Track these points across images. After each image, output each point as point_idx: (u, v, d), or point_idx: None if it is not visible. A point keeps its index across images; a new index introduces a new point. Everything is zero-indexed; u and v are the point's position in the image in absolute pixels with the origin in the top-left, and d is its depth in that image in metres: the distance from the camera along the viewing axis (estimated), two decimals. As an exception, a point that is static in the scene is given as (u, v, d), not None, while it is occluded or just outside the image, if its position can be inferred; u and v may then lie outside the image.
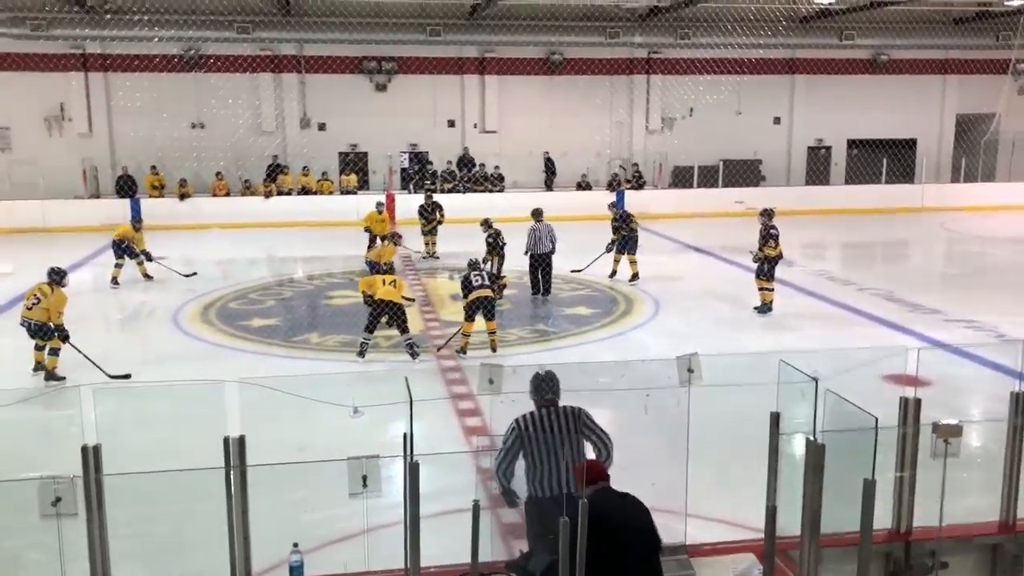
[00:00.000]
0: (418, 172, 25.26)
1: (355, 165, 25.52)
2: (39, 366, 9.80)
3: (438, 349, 11.08)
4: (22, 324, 9.76)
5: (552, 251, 14.13)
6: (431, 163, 25.52)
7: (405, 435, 4.41)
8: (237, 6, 22.16)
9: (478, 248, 14.02)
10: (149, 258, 15.27)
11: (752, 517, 5.34)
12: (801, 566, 4.64)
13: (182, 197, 22.83)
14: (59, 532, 4.13)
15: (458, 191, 24.03)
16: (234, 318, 12.89)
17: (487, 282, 10.91)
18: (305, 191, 24.15)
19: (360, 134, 25.60)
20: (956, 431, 4.63)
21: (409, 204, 20.39)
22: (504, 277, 13.85)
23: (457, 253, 16.29)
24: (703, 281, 15.08)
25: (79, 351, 9.71)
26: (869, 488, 4.44)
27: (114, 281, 14.96)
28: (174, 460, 4.59)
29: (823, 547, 4.62)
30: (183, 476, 4.68)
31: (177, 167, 24.00)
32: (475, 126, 26.39)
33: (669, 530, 5.48)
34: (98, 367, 9.57)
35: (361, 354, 10.57)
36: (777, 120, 28.24)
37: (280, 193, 23.73)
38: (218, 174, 24.01)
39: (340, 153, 25.82)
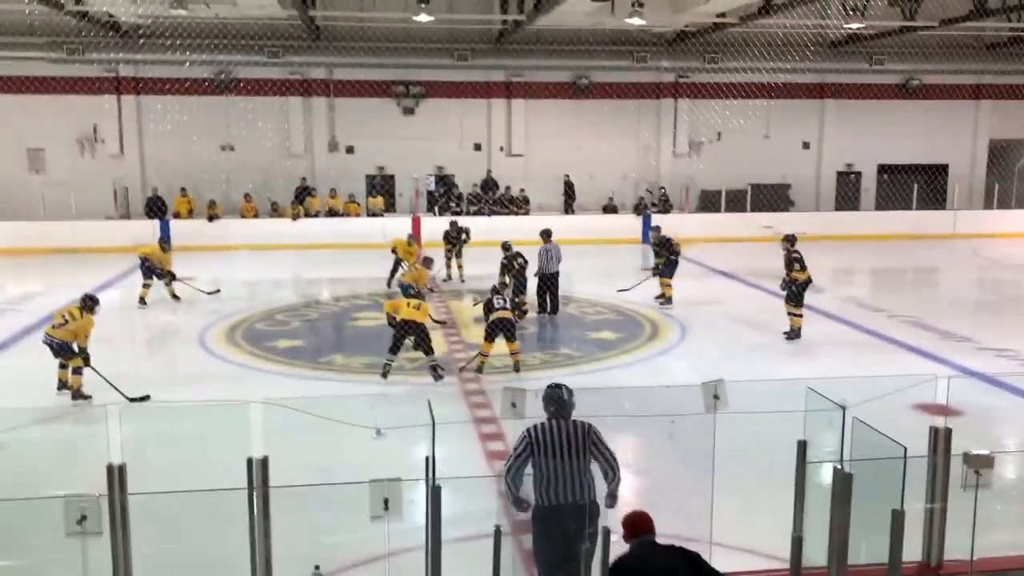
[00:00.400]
0: (444, 195, 25.37)
1: (382, 188, 25.70)
2: (63, 385, 9.89)
3: (460, 370, 11.14)
4: (45, 342, 9.84)
5: (558, 271, 14.47)
6: (456, 186, 25.64)
7: (427, 458, 4.39)
8: (268, 31, 22.48)
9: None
10: (174, 278, 15.41)
11: (778, 547, 5.26)
12: (828, 598, 4.56)
13: (211, 218, 23.07)
14: (83, 550, 4.14)
15: (483, 214, 24.10)
16: (260, 339, 12.96)
17: (508, 305, 11.09)
18: (332, 213, 24.33)
19: (387, 157, 25.79)
20: (988, 462, 4.54)
21: (435, 227, 20.47)
22: (525, 300, 13.88)
23: (481, 276, 16.31)
24: (730, 306, 14.97)
25: (99, 373, 9.75)
26: (898, 519, 4.37)
27: (142, 301, 15.10)
28: (198, 480, 4.61)
29: (850, 579, 4.53)
30: (206, 496, 4.69)
31: (206, 189, 24.32)
32: (501, 149, 26.50)
33: (693, 559, 5.40)
34: (117, 390, 9.58)
35: (384, 375, 10.59)
36: (806, 145, 28.09)
37: (307, 215, 23.92)
38: (247, 196, 24.26)
39: (367, 176, 26.02)
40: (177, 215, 23.53)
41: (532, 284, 14.41)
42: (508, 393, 5.42)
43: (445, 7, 23.66)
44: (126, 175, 24.64)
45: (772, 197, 25.92)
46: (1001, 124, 28.06)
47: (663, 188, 26.35)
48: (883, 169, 28.31)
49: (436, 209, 25.03)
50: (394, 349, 10.60)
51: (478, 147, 26.54)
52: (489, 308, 11.04)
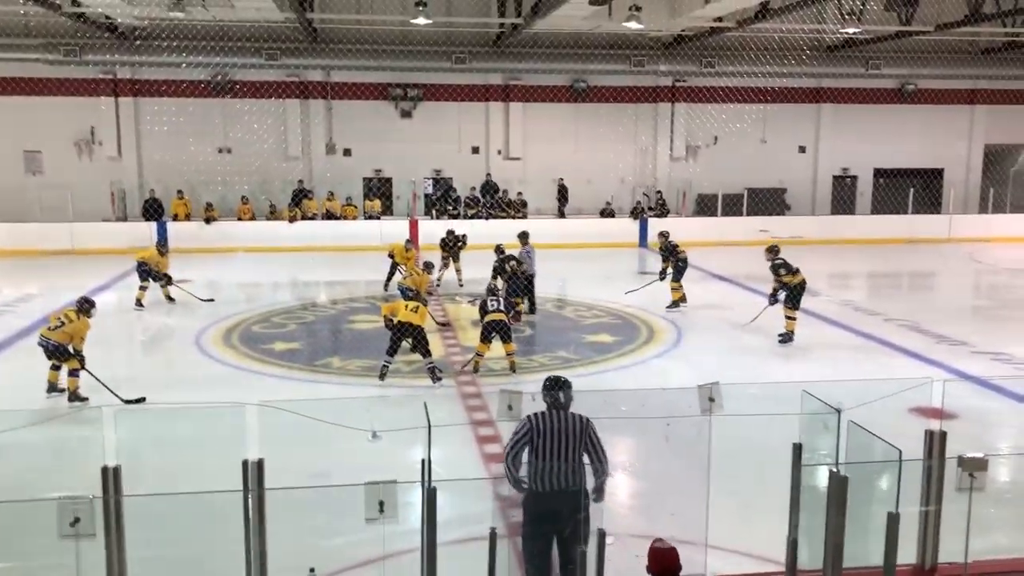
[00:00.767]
0: (441, 198, 25.38)
1: (379, 190, 25.71)
2: (52, 387, 9.89)
3: (457, 374, 11.20)
4: (40, 344, 9.84)
5: (535, 272, 14.94)
6: (454, 189, 25.65)
7: (423, 461, 4.40)
8: (265, 33, 22.49)
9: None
10: (170, 281, 15.40)
11: (773, 549, 5.26)
12: (823, 601, 4.56)
13: (208, 221, 23.05)
14: (77, 553, 4.13)
15: (481, 217, 24.11)
16: (256, 341, 12.95)
17: (502, 307, 11.25)
18: (330, 216, 24.33)
19: (385, 160, 25.81)
20: (982, 465, 4.55)
21: (433, 230, 20.48)
22: (520, 303, 13.94)
23: (478, 279, 16.32)
24: (726, 310, 14.98)
25: (93, 376, 9.75)
26: (893, 522, 4.38)
27: (138, 303, 15.09)
28: (194, 483, 4.60)
29: (846, 582, 4.54)
30: (202, 499, 4.69)
31: (204, 191, 24.32)
32: (499, 152, 26.53)
33: (689, 562, 5.41)
34: (112, 392, 9.58)
35: (382, 376, 10.64)
36: (803, 149, 28.16)
37: (305, 218, 23.91)
38: (244, 198, 24.24)
39: (365, 178, 26.03)
40: (175, 217, 23.51)
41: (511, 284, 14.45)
42: (504, 396, 5.43)
43: (443, 10, 23.69)
44: (123, 177, 24.65)
45: (768, 201, 25.97)
46: (996, 129, 28.16)
47: (660, 192, 26.38)
48: (879, 173, 28.38)
49: (433, 212, 25.04)
50: (391, 351, 10.65)
51: (476, 150, 26.57)
52: (484, 310, 11.25)
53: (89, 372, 9.78)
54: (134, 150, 24.86)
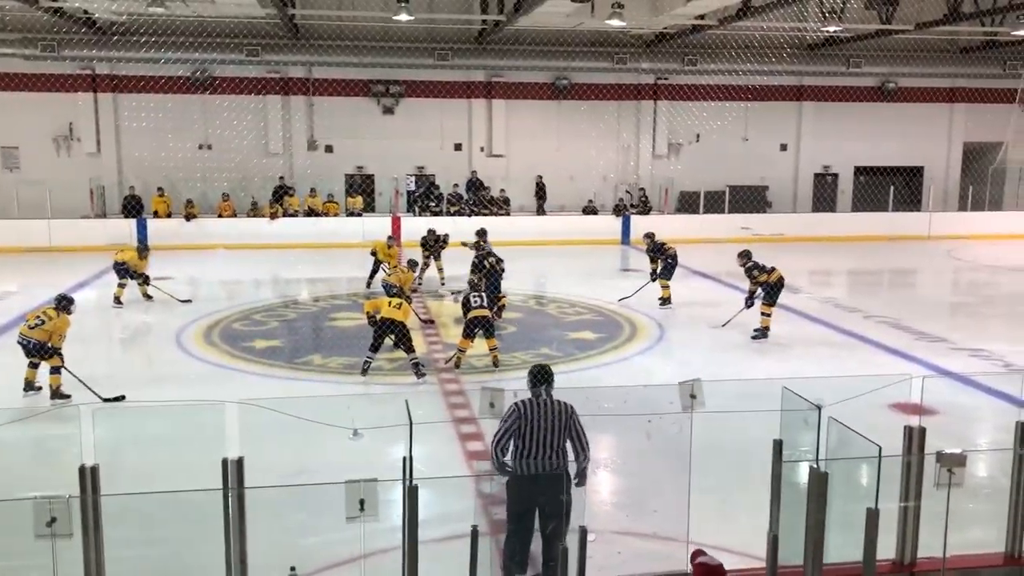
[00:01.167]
0: (423, 195, 25.32)
1: (361, 187, 25.62)
2: (29, 385, 9.81)
3: (440, 370, 11.24)
4: (20, 342, 9.75)
5: None
6: (437, 186, 25.59)
7: (405, 458, 4.38)
8: (246, 29, 22.34)
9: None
10: (147, 281, 15.30)
11: (754, 545, 5.29)
12: (804, 596, 4.58)
13: (188, 217, 22.90)
14: (54, 554, 4.09)
15: (464, 214, 24.07)
16: (237, 339, 12.87)
17: (485, 303, 11.28)
18: (311, 213, 24.22)
19: (367, 156, 25.73)
20: (960, 461, 4.58)
21: (415, 227, 20.42)
22: (503, 297, 13.93)
23: (460, 276, 16.29)
24: (708, 307, 15.02)
25: (72, 374, 9.68)
26: (872, 518, 4.40)
27: (117, 301, 14.97)
28: (173, 481, 4.57)
29: (826, 577, 4.56)
30: (181, 498, 4.65)
31: (184, 188, 24.15)
32: (482, 149, 26.49)
33: (671, 558, 5.43)
34: (91, 390, 9.51)
35: (364, 372, 10.68)
36: (784, 147, 28.30)
37: (286, 215, 23.79)
38: (224, 195, 24.11)
39: (346, 175, 25.94)
40: (155, 214, 23.33)
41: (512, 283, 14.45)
42: (487, 393, 5.43)
43: (425, 6, 23.63)
44: (102, 174, 24.42)
45: (750, 198, 26.08)
46: (975, 127, 28.39)
47: (643, 189, 26.44)
48: (860, 171, 28.57)
49: (416, 209, 24.98)
50: (374, 347, 10.68)
51: (458, 147, 26.52)
52: (467, 306, 11.26)
53: (68, 370, 9.70)
54: (113, 146, 24.65)
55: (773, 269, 12.84)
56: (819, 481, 4.46)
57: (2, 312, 14.24)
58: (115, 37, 21.45)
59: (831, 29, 22.57)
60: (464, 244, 15.58)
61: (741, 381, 10.15)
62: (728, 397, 6.02)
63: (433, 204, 24.80)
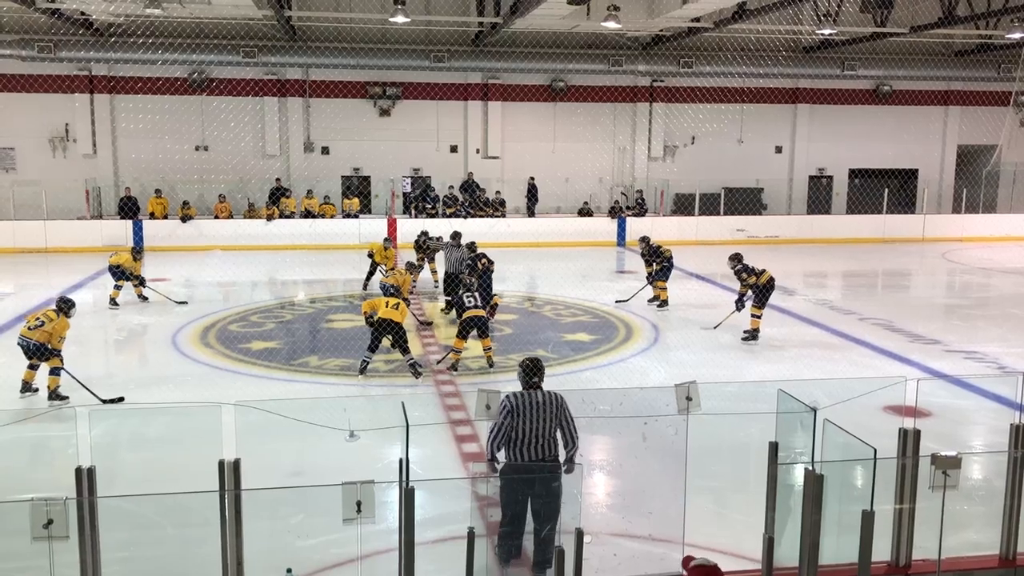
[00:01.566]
0: (419, 197, 25.33)
1: (357, 189, 25.62)
2: (27, 386, 9.80)
3: (437, 363, 11.41)
4: (19, 343, 9.75)
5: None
6: (433, 188, 25.60)
7: (401, 460, 4.39)
8: (243, 30, 22.34)
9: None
10: (143, 283, 15.30)
11: (750, 547, 5.30)
12: (799, 598, 4.60)
13: (184, 219, 22.88)
14: (50, 555, 4.09)
15: (459, 216, 24.08)
16: (234, 340, 12.86)
17: (479, 303, 11.31)
18: (308, 214, 24.21)
19: (363, 158, 25.73)
20: (955, 463, 4.60)
21: (411, 228, 20.43)
22: (496, 296, 13.93)
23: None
24: (703, 309, 15.04)
25: (71, 375, 9.69)
26: (868, 520, 4.42)
27: (113, 302, 14.96)
28: (169, 483, 4.57)
29: (821, 579, 4.57)
30: (178, 499, 4.66)
31: (180, 189, 24.15)
32: (478, 151, 26.52)
33: (666, 560, 5.44)
34: (90, 391, 9.51)
35: (362, 371, 10.74)
36: (779, 149, 28.37)
37: (283, 216, 23.78)
38: (221, 196, 24.10)
39: (343, 177, 25.94)
40: (151, 215, 23.30)
41: (508, 285, 14.44)
42: (483, 395, 5.46)
43: (421, 8, 23.65)
44: (98, 175, 24.40)
45: (745, 201, 26.14)
46: (969, 130, 28.51)
47: (640, 191, 26.47)
48: (854, 174, 28.65)
49: (412, 211, 24.99)
50: (372, 347, 10.74)
51: (454, 149, 26.54)
52: (461, 307, 11.27)
53: (67, 372, 9.71)
54: (109, 148, 24.63)
55: (763, 271, 12.88)
56: (814, 483, 4.48)
57: (-3, 313, 14.21)
58: (112, 38, 21.44)
59: (826, 32, 22.64)
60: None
61: (736, 383, 10.18)
62: (724, 399, 6.03)
63: (429, 206, 24.81)
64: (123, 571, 5.10)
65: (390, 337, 10.73)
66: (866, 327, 13.90)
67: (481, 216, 24.23)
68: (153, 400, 9.53)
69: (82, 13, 20.93)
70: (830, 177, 28.79)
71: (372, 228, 22.27)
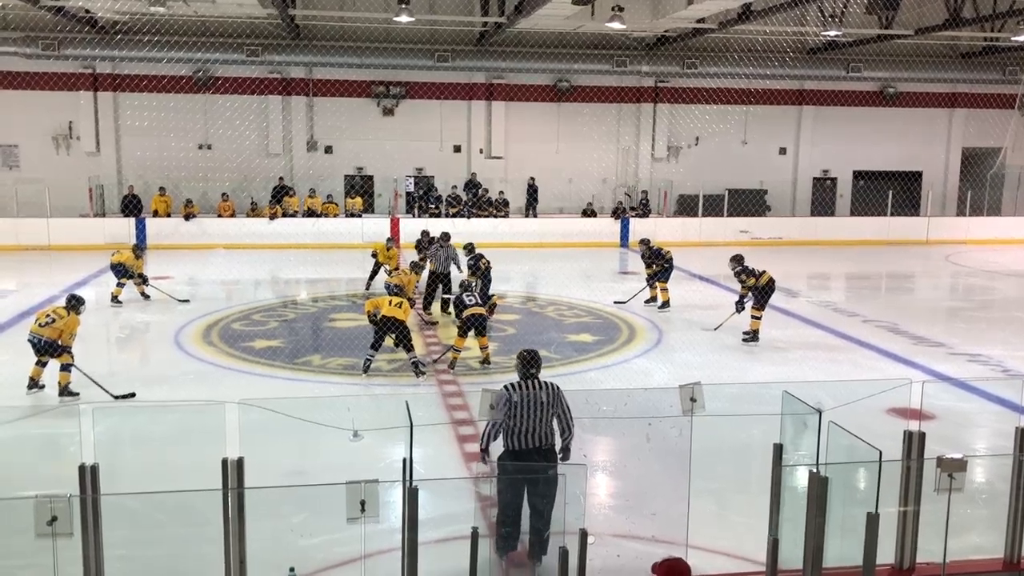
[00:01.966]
0: (422, 197, 25.33)
1: (361, 188, 25.62)
2: (34, 383, 9.82)
3: (433, 362, 11.39)
4: (30, 340, 9.77)
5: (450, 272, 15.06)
6: (436, 188, 25.60)
7: (404, 460, 4.38)
8: (247, 29, 22.35)
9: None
10: (145, 281, 15.30)
11: (754, 549, 5.29)
12: (803, 600, 4.59)
13: (187, 217, 22.89)
14: (54, 552, 4.09)
15: (463, 216, 24.09)
16: (236, 339, 12.86)
17: (479, 301, 11.30)
18: (311, 213, 24.21)
19: (366, 157, 25.73)
20: (960, 466, 4.59)
21: (414, 228, 20.42)
22: (494, 296, 13.91)
23: (457, 277, 16.28)
24: (706, 310, 15.03)
25: (83, 372, 9.71)
26: (872, 522, 4.40)
27: (115, 300, 14.96)
28: (172, 481, 4.56)
29: (825, 581, 4.56)
30: (181, 497, 4.65)
31: (184, 187, 24.16)
32: (481, 151, 26.51)
33: (669, 561, 5.41)
34: (102, 387, 9.55)
35: (365, 370, 10.74)
36: (783, 150, 28.34)
37: (286, 215, 23.79)
38: (224, 195, 24.11)
39: (346, 176, 25.95)
40: (155, 213, 23.31)
41: (508, 286, 14.41)
42: (486, 395, 5.46)
43: (426, 8, 23.65)
44: (101, 173, 24.41)
45: (749, 202, 26.08)
46: (974, 132, 28.47)
47: (644, 192, 26.45)
48: (858, 175, 28.61)
49: (415, 211, 24.98)
50: (375, 345, 10.76)
51: (458, 149, 26.54)
52: (460, 305, 11.26)
53: (78, 368, 9.75)
54: (113, 145, 24.66)
55: (763, 273, 12.86)
56: (819, 485, 4.46)
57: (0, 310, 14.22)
58: (116, 36, 21.44)
59: (831, 33, 22.60)
60: (468, 251, 15.31)
61: (740, 384, 10.16)
62: (728, 400, 6.03)
63: (432, 206, 24.81)
64: (126, 569, 5.09)
65: (393, 336, 10.73)
66: (870, 329, 13.87)
67: (483, 216, 24.22)
68: (156, 398, 9.52)
69: (86, 11, 20.94)
70: (834, 179, 28.76)
71: (375, 227, 22.28)
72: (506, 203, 25.18)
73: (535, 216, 25.45)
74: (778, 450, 4.82)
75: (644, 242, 15.61)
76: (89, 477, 4.28)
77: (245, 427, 5.03)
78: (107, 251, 16.41)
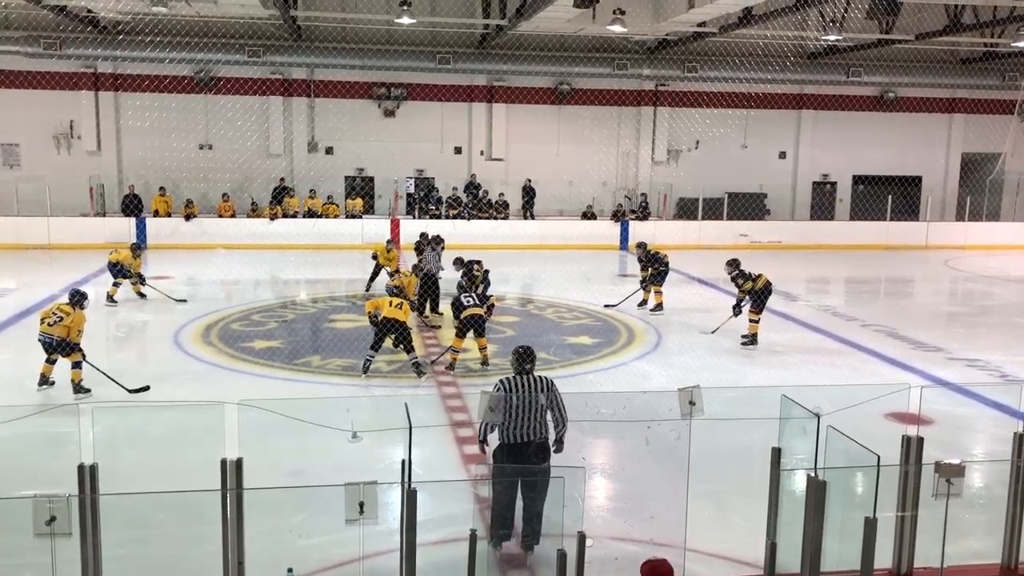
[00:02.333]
0: (423, 198, 25.34)
1: (361, 189, 25.63)
2: (45, 380, 9.84)
3: (432, 363, 11.40)
4: (41, 339, 9.79)
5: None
6: (436, 189, 25.61)
7: (403, 461, 4.39)
8: (248, 30, 22.35)
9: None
10: (142, 280, 15.30)
11: (752, 553, 5.30)
12: (800, 604, 4.59)
13: (188, 217, 22.90)
14: (52, 552, 4.09)
15: (463, 217, 24.11)
16: (236, 339, 12.87)
17: (477, 302, 11.31)
18: (311, 214, 24.22)
19: (367, 159, 25.74)
20: (958, 471, 4.59)
21: (414, 229, 20.42)
22: (492, 297, 13.90)
23: (453, 278, 16.30)
24: (705, 313, 15.04)
25: (96, 368, 9.75)
26: (870, 527, 4.41)
27: (110, 299, 14.92)
28: (172, 481, 4.57)
29: (823, 585, 4.57)
30: (179, 497, 4.65)
31: (184, 187, 24.16)
32: (482, 153, 26.52)
33: (667, 564, 5.42)
34: (116, 382, 9.63)
35: (365, 371, 10.75)
36: (783, 155, 28.36)
37: (286, 216, 23.80)
38: (224, 195, 24.12)
39: (347, 177, 25.96)
40: (155, 213, 23.31)
41: (506, 287, 14.39)
42: (485, 397, 5.46)
43: (427, 10, 23.66)
44: (102, 172, 24.42)
45: (748, 206, 26.13)
46: (974, 138, 28.49)
47: (644, 195, 26.47)
48: (858, 180, 28.63)
49: (415, 212, 24.99)
50: (375, 346, 10.77)
51: (458, 151, 26.55)
52: (460, 307, 11.21)
53: (91, 364, 9.79)
54: (114, 145, 24.66)
55: (759, 276, 12.88)
56: (817, 489, 4.47)
57: (1, 309, 14.22)
58: (118, 36, 21.46)
59: (831, 38, 22.60)
60: (458, 265, 15.22)
61: (739, 388, 10.17)
62: (727, 404, 6.04)
63: (432, 207, 24.82)
64: (124, 569, 5.09)
65: (393, 337, 10.75)
66: (869, 334, 13.88)
67: (484, 218, 24.24)
68: (156, 398, 9.53)
69: (88, 11, 20.96)
70: (834, 183, 28.78)
71: (375, 229, 22.29)
72: (506, 205, 25.20)
73: (532, 218, 25.47)
74: (776, 454, 4.83)
75: (641, 245, 15.63)
76: (88, 477, 4.28)
77: (244, 427, 5.03)
78: (107, 250, 16.41)
